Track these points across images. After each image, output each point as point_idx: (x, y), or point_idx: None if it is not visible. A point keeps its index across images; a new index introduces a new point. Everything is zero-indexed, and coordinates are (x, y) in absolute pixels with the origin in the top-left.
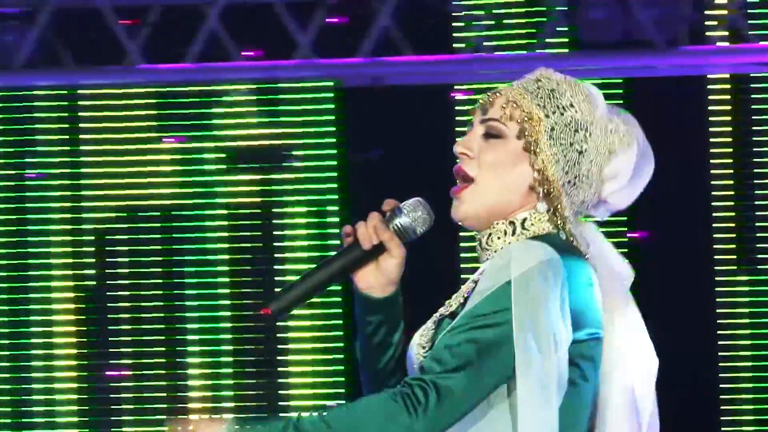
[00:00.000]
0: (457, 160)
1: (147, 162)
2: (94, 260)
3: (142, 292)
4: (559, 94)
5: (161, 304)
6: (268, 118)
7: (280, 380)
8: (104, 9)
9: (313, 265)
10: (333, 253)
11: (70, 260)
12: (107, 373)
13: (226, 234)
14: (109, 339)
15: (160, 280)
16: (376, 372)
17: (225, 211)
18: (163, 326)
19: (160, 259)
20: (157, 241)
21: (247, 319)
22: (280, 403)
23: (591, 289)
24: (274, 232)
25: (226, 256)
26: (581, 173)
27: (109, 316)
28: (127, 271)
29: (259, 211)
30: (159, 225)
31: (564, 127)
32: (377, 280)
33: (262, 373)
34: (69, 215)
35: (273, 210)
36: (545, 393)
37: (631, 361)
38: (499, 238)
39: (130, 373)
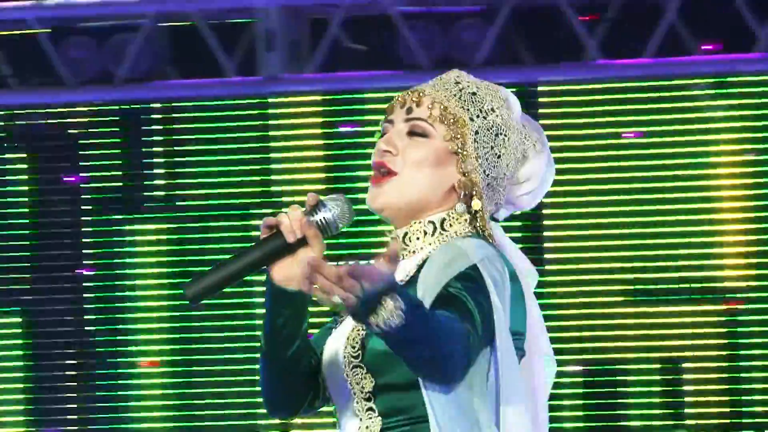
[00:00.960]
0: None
1: (606, 157)
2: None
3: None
4: (481, 98)
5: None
6: (724, 112)
7: None
8: (563, 5)
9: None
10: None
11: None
12: None
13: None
14: None
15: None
16: (283, 362)
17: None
18: None
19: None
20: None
21: None
22: None
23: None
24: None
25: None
26: (498, 176)
27: None
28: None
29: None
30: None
31: (486, 131)
32: (294, 272)
33: None
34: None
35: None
36: (517, 367)
37: (537, 360)
38: (418, 238)
39: None
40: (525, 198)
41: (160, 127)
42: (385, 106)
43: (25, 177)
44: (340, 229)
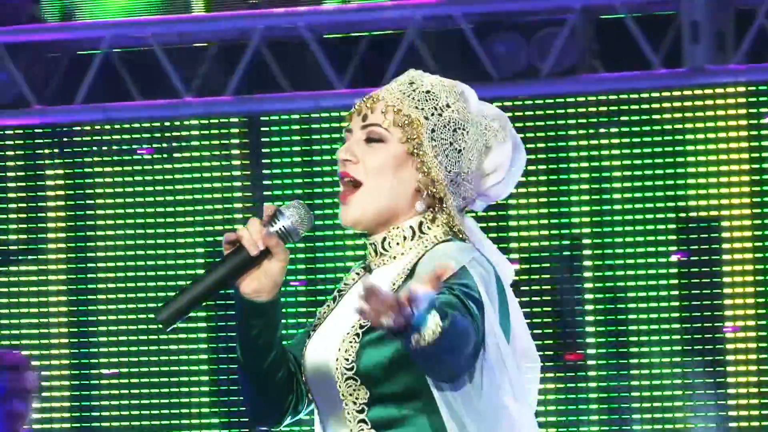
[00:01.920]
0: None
1: None
2: None
3: None
4: (435, 96)
5: None
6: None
7: None
8: None
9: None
10: (216, 261)
11: None
12: None
13: None
14: None
15: None
16: (261, 371)
17: None
18: None
19: None
20: None
21: None
22: None
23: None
24: None
25: None
26: (462, 170)
27: None
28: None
29: None
30: None
31: (443, 128)
32: (262, 284)
33: None
34: None
35: None
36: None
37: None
38: (398, 243)
39: None
40: (495, 188)
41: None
42: None
43: None
44: (302, 234)
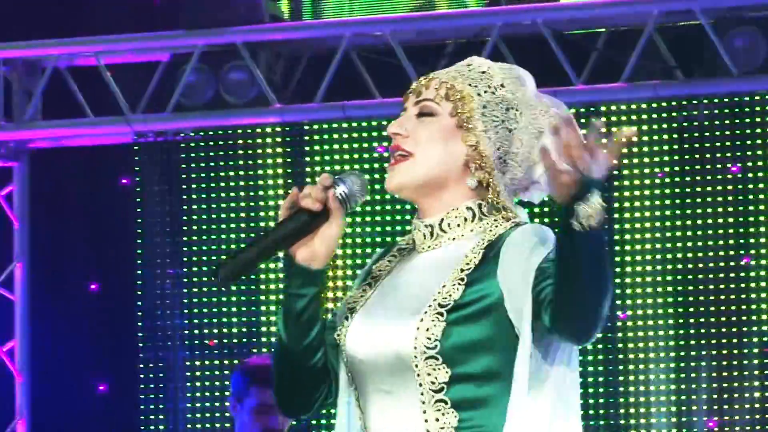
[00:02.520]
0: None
1: None
2: None
3: None
4: (490, 75)
5: None
6: None
7: None
8: None
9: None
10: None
11: None
12: None
13: None
14: None
15: None
16: (301, 350)
17: None
18: None
19: None
20: None
21: None
22: None
23: None
24: None
25: None
26: (512, 151)
27: None
28: None
29: None
30: None
31: (495, 106)
32: (316, 251)
33: None
34: None
35: None
36: None
37: None
38: (458, 225)
39: None
40: (545, 176)
41: None
42: None
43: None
44: (359, 202)
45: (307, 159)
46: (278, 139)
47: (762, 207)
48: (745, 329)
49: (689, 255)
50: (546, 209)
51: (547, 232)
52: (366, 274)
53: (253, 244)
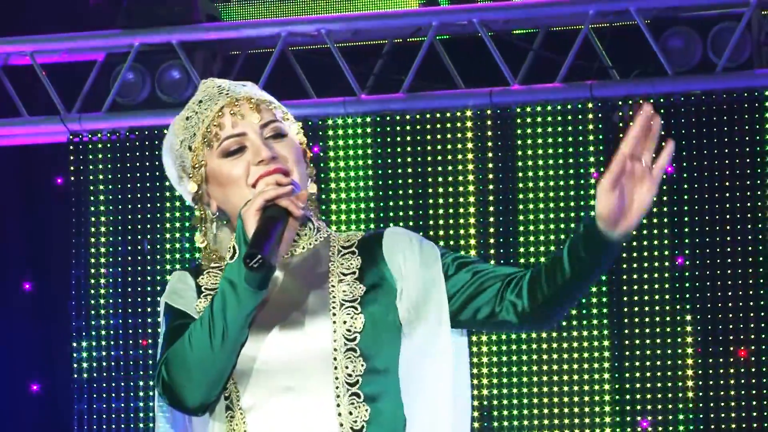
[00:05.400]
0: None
1: None
2: None
3: None
4: (270, 97)
5: None
6: None
7: None
8: None
9: None
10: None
11: None
12: None
13: None
14: None
15: None
16: (236, 348)
17: None
18: None
19: None
20: None
21: None
22: None
23: None
24: None
25: None
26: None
27: None
28: None
29: None
30: None
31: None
32: (282, 250)
33: None
34: None
35: None
36: None
37: None
38: (306, 234)
39: None
40: None
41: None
42: None
43: None
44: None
45: None
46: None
47: (696, 207)
48: (679, 329)
49: (624, 254)
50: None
51: (413, 234)
52: (195, 293)
53: (269, 231)
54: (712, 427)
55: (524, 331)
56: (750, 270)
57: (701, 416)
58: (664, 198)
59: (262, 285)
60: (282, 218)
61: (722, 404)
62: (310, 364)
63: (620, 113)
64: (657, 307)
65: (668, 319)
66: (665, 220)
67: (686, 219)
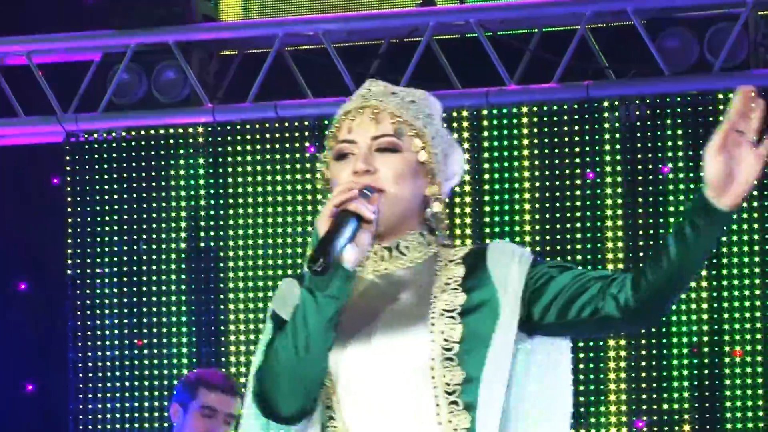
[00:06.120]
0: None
1: None
2: None
3: None
4: (420, 106)
5: None
6: None
7: None
8: None
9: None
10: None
11: None
12: None
13: None
14: None
15: None
16: (326, 354)
17: None
18: None
19: None
20: None
21: None
22: None
23: None
24: None
25: None
26: (447, 175)
27: None
28: None
29: None
30: None
31: (437, 137)
32: (359, 253)
33: None
34: None
35: None
36: None
37: None
38: (415, 248)
39: None
40: (448, 192)
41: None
42: None
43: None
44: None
45: (239, 159)
46: (210, 139)
47: (682, 208)
48: (674, 329)
49: (620, 255)
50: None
51: (518, 247)
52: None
53: (333, 235)
54: (707, 427)
55: (628, 329)
56: (746, 270)
57: (696, 416)
58: (660, 198)
59: (340, 290)
60: (350, 223)
61: (717, 404)
62: (407, 376)
63: (617, 113)
64: None
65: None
66: (660, 220)
67: (671, 220)
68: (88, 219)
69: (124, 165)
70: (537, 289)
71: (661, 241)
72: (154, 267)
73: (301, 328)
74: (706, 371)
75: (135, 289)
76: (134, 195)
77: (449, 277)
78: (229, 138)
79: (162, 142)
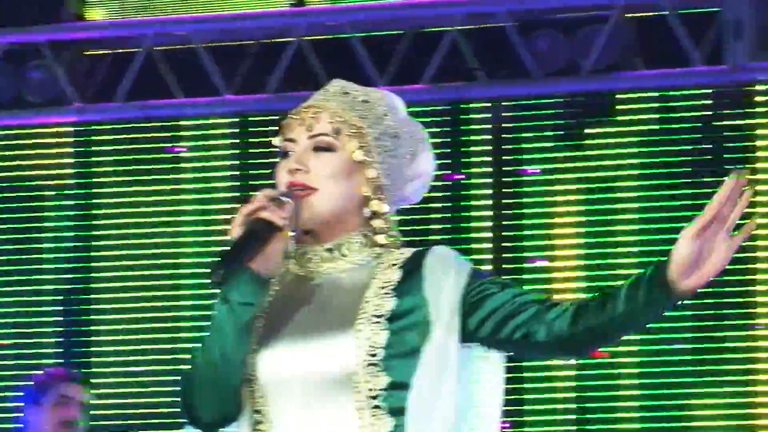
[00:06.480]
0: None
1: None
2: None
3: None
4: (373, 105)
5: None
6: None
7: None
8: None
9: None
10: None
11: None
12: None
13: None
14: None
15: None
16: (242, 361)
17: None
18: None
19: None
20: None
21: None
22: None
23: None
24: None
25: None
26: (397, 177)
27: None
28: None
29: None
30: None
31: (384, 136)
32: (272, 261)
33: None
34: None
35: None
36: None
37: None
38: (356, 250)
39: None
40: (414, 193)
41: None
42: None
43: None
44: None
45: (107, 158)
46: (78, 139)
47: (560, 209)
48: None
49: (490, 254)
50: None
51: (458, 256)
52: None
53: (243, 246)
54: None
55: (550, 355)
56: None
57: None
58: (526, 200)
59: (252, 297)
60: (262, 231)
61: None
62: (331, 378)
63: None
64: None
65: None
66: (532, 222)
67: (550, 220)
68: None
69: None
70: (474, 303)
71: (614, 290)
72: (25, 267)
73: (215, 335)
74: (570, 372)
75: None
76: (4, 195)
77: (385, 281)
78: (97, 138)
79: (31, 141)
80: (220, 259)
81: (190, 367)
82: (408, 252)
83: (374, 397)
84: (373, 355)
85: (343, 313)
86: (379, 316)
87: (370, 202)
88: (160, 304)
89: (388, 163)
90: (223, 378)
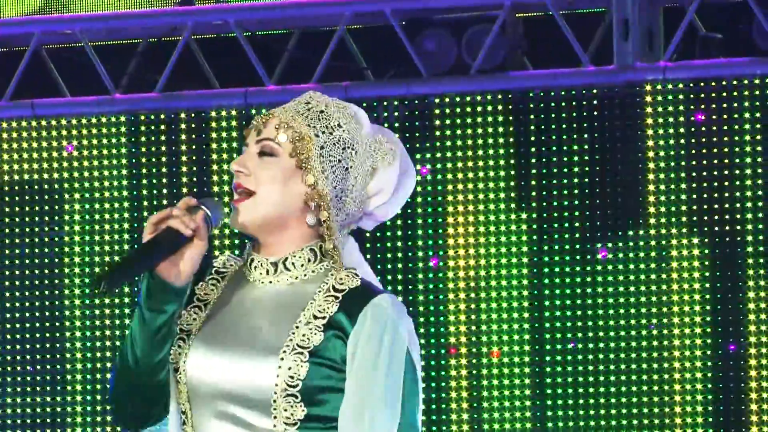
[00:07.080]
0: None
1: None
2: None
3: None
4: (328, 115)
5: None
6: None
7: None
8: None
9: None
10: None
11: None
12: None
13: None
14: None
15: None
16: (155, 364)
17: None
18: None
19: None
20: None
21: None
22: None
23: None
24: None
25: None
26: (347, 188)
27: None
28: None
29: None
30: None
31: (332, 146)
32: (180, 270)
33: None
34: None
35: None
36: None
37: None
38: (302, 265)
39: None
40: (380, 209)
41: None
42: (735, 94)
43: None
44: (218, 225)
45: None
46: None
47: (450, 208)
48: (442, 330)
49: (379, 254)
50: (378, 234)
51: (394, 321)
52: (195, 297)
53: (134, 258)
54: (476, 427)
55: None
56: (504, 272)
57: (464, 417)
58: (419, 200)
59: (163, 304)
60: (167, 239)
61: (477, 404)
62: (252, 398)
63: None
64: (421, 308)
65: (432, 319)
66: (419, 221)
67: (440, 220)
68: None
69: None
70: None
71: None
72: None
73: (128, 340)
74: (465, 372)
75: None
76: None
77: (320, 311)
78: None
79: None
80: (105, 269)
81: (114, 370)
82: (355, 281)
83: (292, 425)
84: (293, 386)
85: (273, 334)
86: (303, 348)
87: (313, 209)
88: (39, 303)
89: (336, 173)
90: (140, 382)
